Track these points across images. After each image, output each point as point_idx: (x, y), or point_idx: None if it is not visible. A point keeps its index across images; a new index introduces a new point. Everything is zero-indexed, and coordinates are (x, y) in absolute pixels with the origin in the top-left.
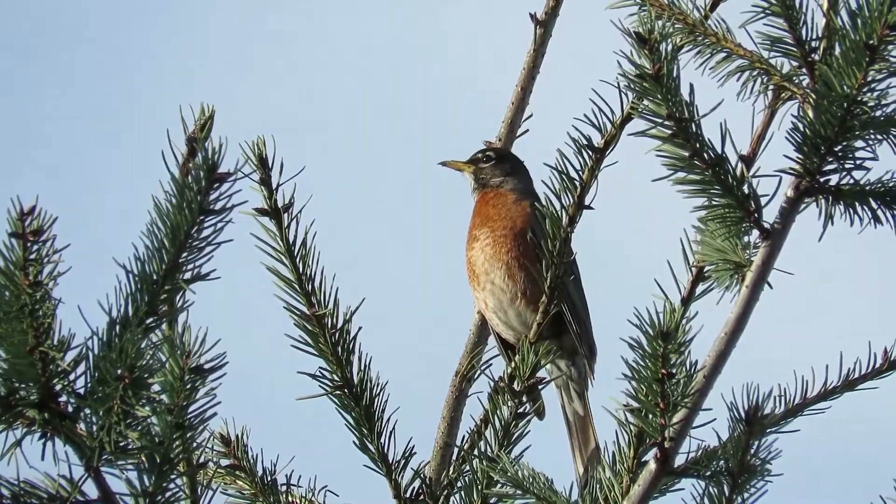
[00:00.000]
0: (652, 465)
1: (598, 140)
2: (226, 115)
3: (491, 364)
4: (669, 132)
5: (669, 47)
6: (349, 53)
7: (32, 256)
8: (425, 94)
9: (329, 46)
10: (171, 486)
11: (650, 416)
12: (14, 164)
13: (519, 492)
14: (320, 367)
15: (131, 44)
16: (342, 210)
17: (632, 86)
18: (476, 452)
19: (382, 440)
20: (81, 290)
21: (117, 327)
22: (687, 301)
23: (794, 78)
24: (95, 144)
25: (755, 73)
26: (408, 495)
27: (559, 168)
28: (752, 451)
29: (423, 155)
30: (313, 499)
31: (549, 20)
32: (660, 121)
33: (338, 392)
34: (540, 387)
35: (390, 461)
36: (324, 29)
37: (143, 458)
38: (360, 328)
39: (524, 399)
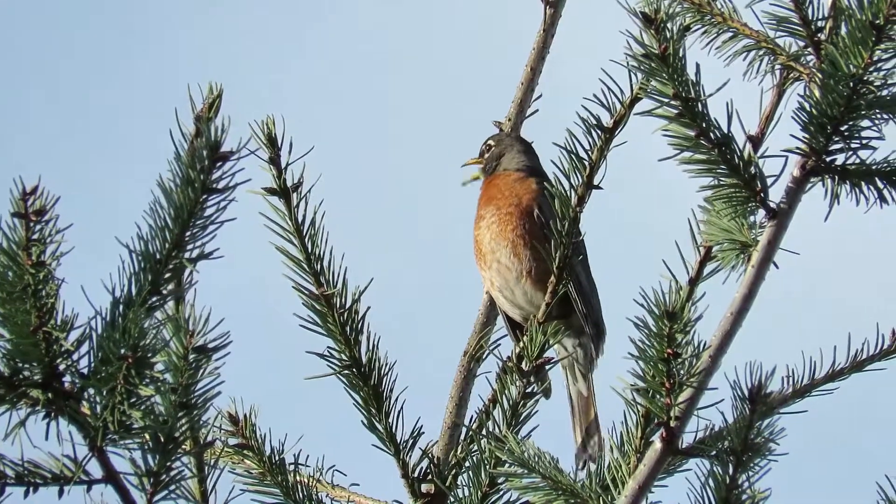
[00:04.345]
0: (658, 445)
1: (607, 120)
2: (234, 95)
3: (499, 344)
4: (676, 112)
5: (676, 27)
6: (359, 35)
7: (35, 236)
8: (434, 75)
9: (338, 28)
10: (176, 464)
11: (656, 395)
12: (15, 143)
13: (525, 471)
14: (328, 347)
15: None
16: (351, 189)
17: (639, 66)
18: (484, 432)
19: (390, 420)
20: (84, 270)
21: (121, 307)
22: (695, 281)
23: (801, 58)
24: (103, 123)
25: (761, 52)
26: (416, 475)
27: (568, 148)
28: (756, 429)
29: (432, 136)
30: (321, 478)
31: (558, 0)
32: (666, 100)
33: (346, 372)
34: (548, 367)
35: (398, 441)
36: (332, 11)
37: (148, 438)
38: (368, 308)
39: (532, 379)
